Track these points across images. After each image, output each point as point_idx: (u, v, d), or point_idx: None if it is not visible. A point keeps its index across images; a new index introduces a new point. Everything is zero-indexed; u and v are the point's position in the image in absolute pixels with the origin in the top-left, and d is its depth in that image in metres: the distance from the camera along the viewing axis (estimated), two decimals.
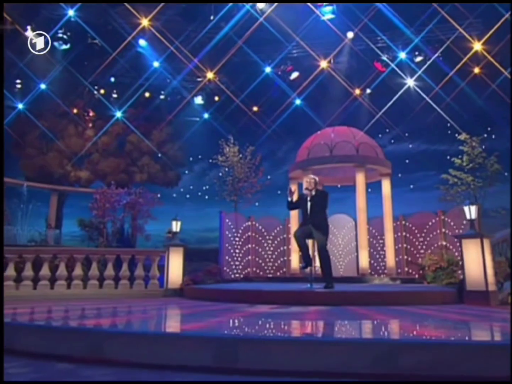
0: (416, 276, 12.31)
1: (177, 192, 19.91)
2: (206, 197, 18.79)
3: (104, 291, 7.03)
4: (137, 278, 7.55)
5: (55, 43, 13.73)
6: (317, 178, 7.40)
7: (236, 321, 4.11)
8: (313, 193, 7.24)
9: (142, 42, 14.90)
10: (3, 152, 10.85)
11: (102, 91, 17.43)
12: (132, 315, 4.91)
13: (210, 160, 15.89)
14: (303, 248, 7.16)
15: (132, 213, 13.80)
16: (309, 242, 7.43)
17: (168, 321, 4.57)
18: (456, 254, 10.96)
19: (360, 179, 11.73)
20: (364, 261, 11.31)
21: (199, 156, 20.13)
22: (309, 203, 7.23)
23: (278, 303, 5.67)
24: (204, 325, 3.72)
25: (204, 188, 17.96)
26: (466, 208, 7.37)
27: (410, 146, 17.56)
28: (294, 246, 12.97)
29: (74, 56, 14.35)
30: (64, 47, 13.81)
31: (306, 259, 7.14)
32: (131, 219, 14.00)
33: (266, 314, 4.73)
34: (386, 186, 12.63)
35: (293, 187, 7.91)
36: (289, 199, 7.35)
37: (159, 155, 19.09)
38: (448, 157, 16.45)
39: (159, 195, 16.62)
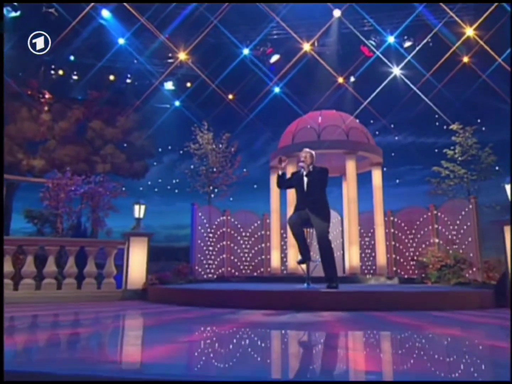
0: (415, 274, 11.11)
1: (144, 185, 18.11)
2: (176, 191, 17.09)
3: (42, 293, 5.36)
4: (87, 276, 5.89)
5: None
6: (313, 152, 5.96)
7: (227, 341, 2.59)
8: (310, 169, 5.80)
9: (105, 13, 13.13)
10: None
11: (60, 72, 15.50)
12: (58, 332, 3.26)
13: (181, 151, 14.28)
14: (299, 238, 5.73)
15: (91, 204, 11.96)
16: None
17: (112, 345, 2.86)
18: (461, 251, 9.79)
19: (351, 167, 10.42)
20: (354, 258, 9.99)
21: (169, 147, 18.42)
22: (305, 181, 5.78)
23: (274, 308, 4.19)
24: (175, 351, 2.18)
25: (174, 181, 16.29)
26: (508, 187, 6.03)
27: (396, 138, 16.47)
28: (274, 242, 11.54)
29: (26, 27, 12.43)
30: (14, 14, 11.92)
31: (303, 252, 5.70)
32: (90, 212, 12.15)
33: (266, 325, 3.24)
34: (377, 176, 11.40)
35: (284, 157, 6.40)
36: (280, 172, 5.88)
37: (125, 144, 17.25)
38: (436, 150, 15.47)
39: (124, 188, 14.83)
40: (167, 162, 18.77)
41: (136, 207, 6.32)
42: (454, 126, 12.85)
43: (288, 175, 6.04)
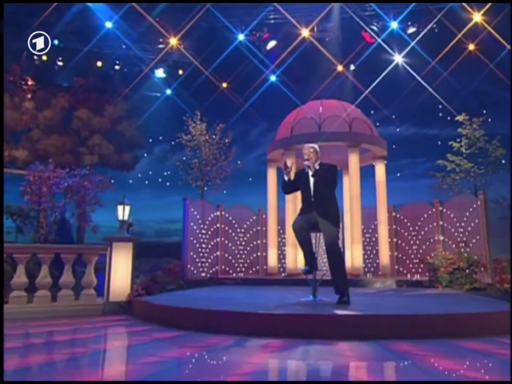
0: (419, 273, 10.55)
1: (134, 177, 17.29)
2: (168, 184, 16.31)
3: (9, 309, 4.60)
4: (63, 287, 5.16)
5: None
6: (317, 147, 5.25)
7: None
8: (317, 167, 5.09)
9: None
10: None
11: (44, 57, 14.56)
12: None
13: (173, 142, 13.49)
14: (305, 245, 5.05)
15: (75, 199, 11.17)
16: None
17: None
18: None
19: (354, 161, 9.74)
20: (357, 259, 9.36)
21: (160, 138, 17.57)
22: (311, 182, 5.08)
23: (279, 335, 3.51)
24: None
25: (165, 173, 15.50)
26: None
27: (398, 129, 15.79)
28: (271, 240, 10.88)
29: (6, 9, 11.50)
30: None
31: (310, 260, 5.02)
32: (75, 207, 11.36)
33: (273, 373, 2.54)
34: (380, 170, 10.75)
35: (290, 161, 5.65)
36: (286, 178, 5.17)
37: (113, 134, 16.37)
38: (439, 142, 14.82)
39: (112, 181, 14.04)
40: (158, 154, 17.98)
41: (120, 208, 5.59)
42: (460, 118, 12.20)
43: (292, 176, 5.35)
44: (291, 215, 10.14)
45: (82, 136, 15.63)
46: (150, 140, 17.50)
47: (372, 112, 14.98)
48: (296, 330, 3.50)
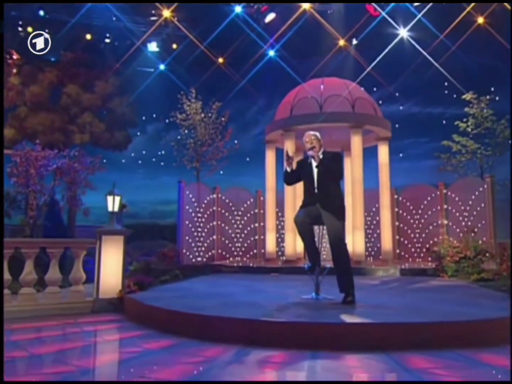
0: (421, 258, 10.39)
1: (126, 157, 16.87)
2: (162, 163, 15.92)
3: None
4: (50, 284, 4.88)
5: None
6: (318, 134, 4.91)
7: None
8: (320, 156, 4.77)
9: None
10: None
11: (29, 29, 13.91)
12: None
13: (167, 120, 13.06)
14: (308, 239, 4.78)
15: (65, 181, 10.82)
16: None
17: None
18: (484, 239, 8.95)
19: (356, 143, 9.42)
20: (359, 245, 9.14)
21: (154, 115, 17.08)
22: (315, 172, 4.77)
23: (281, 345, 3.27)
24: None
25: (159, 153, 15.11)
26: None
27: (401, 107, 15.36)
28: (269, 224, 10.64)
29: None
30: None
31: (312, 256, 4.76)
32: (65, 189, 11.02)
33: None
34: (383, 152, 10.44)
35: (291, 151, 5.29)
36: (288, 168, 4.85)
37: (104, 112, 15.85)
38: (444, 122, 14.46)
39: (104, 161, 13.65)
40: (152, 132, 17.53)
41: (109, 198, 5.28)
42: (467, 96, 11.80)
43: (295, 165, 5.01)
44: (290, 198, 9.86)
45: (72, 113, 15.10)
46: (143, 118, 17.01)
47: (374, 89, 14.56)
48: (300, 340, 3.26)
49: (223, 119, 12.61)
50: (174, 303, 4.41)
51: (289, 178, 5.05)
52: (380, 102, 14.47)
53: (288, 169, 4.90)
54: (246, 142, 15.01)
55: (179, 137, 13.06)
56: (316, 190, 4.79)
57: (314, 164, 4.81)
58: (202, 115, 12.28)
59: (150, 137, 17.51)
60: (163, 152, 14.65)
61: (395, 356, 3.07)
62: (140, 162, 17.62)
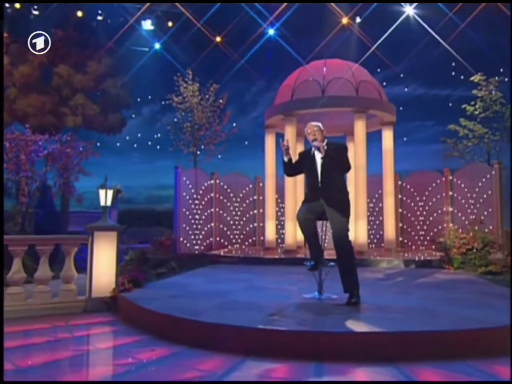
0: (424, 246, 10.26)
1: (121, 140, 16.58)
2: (158, 147, 15.65)
3: None
4: (39, 282, 4.73)
5: None
6: (321, 125, 4.70)
7: None
8: (325, 147, 4.57)
9: None
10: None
11: (17, 5, 13.47)
12: None
13: (163, 102, 12.77)
14: (311, 237, 4.62)
15: (57, 167, 10.62)
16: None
17: None
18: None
19: (360, 128, 9.20)
20: (361, 235, 9.01)
21: (149, 97, 16.72)
22: (319, 165, 4.57)
23: (284, 356, 3.13)
24: None
25: (155, 136, 14.81)
26: None
27: (406, 89, 15.04)
28: (269, 212, 10.48)
29: None
30: None
31: (315, 254, 4.61)
32: (57, 176, 10.82)
33: None
34: (388, 137, 10.22)
35: (286, 139, 5.06)
36: (285, 158, 4.65)
37: (98, 93, 15.51)
38: (451, 104, 14.19)
39: (98, 144, 13.41)
40: (147, 115, 17.20)
41: (101, 192, 5.09)
42: (476, 78, 11.52)
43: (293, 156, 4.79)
44: (290, 185, 9.67)
45: (64, 95, 14.77)
46: (138, 100, 16.66)
47: (378, 70, 14.22)
48: (303, 351, 3.12)
49: (221, 101, 12.34)
50: (170, 304, 4.26)
51: (289, 169, 4.84)
52: (384, 83, 14.17)
53: (285, 159, 4.70)
54: (245, 125, 14.74)
55: (175, 119, 12.81)
56: (319, 184, 4.60)
57: (318, 156, 4.60)
58: (199, 97, 12.02)
59: (146, 120, 17.20)
60: (159, 135, 14.39)
61: (405, 369, 2.93)
62: (135, 145, 17.34)
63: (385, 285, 5.79)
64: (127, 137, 16.44)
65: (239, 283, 5.84)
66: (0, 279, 4.46)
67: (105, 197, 5.05)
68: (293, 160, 4.80)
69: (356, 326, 3.47)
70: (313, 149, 4.68)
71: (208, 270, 7.54)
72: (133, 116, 17.14)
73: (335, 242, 4.50)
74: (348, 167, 4.65)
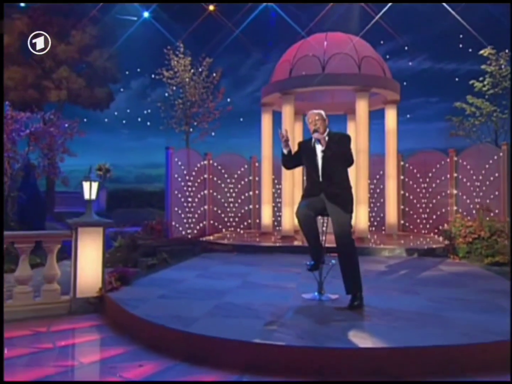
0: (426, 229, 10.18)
1: (109, 116, 16.15)
2: (148, 123, 15.27)
3: None
4: (19, 283, 4.54)
5: None
6: (323, 113, 4.44)
7: None
8: (326, 138, 4.35)
9: None
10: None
11: None
12: None
13: (153, 75, 12.37)
14: (311, 237, 4.44)
15: (41, 147, 10.29)
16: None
17: None
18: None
19: (362, 108, 8.94)
20: (362, 221, 8.87)
21: (138, 69, 16.22)
22: (319, 157, 4.36)
23: (282, 373, 2.99)
24: None
25: (145, 112, 14.41)
26: None
27: (410, 63, 14.63)
28: (265, 196, 10.30)
29: None
30: None
31: (315, 253, 4.44)
32: (40, 156, 10.50)
33: None
34: (391, 117, 9.98)
35: (284, 128, 4.78)
36: (285, 150, 4.42)
37: (83, 65, 15.01)
38: (457, 79, 13.85)
39: (85, 120, 13.03)
40: (136, 89, 16.73)
41: (86, 185, 4.84)
42: (485, 52, 11.16)
43: (296, 148, 4.55)
44: None
45: (47, 67, 14.27)
46: (127, 73, 16.16)
47: (381, 42, 13.81)
48: (303, 368, 2.98)
49: (214, 74, 11.97)
50: (159, 308, 4.09)
51: (288, 162, 4.61)
52: (388, 56, 13.79)
53: (285, 151, 4.46)
54: (240, 101, 14.39)
55: (166, 94, 12.45)
56: (320, 179, 4.38)
57: (319, 148, 4.37)
58: (191, 72, 11.63)
59: (135, 94, 16.75)
60: (149, 111, 14.01)
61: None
62: (124, 122, 16.92)
63: (388, 281, 5.66)
64: (116, 113, 16.01)
65: (234, 278, 5.69)
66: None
67: (90, 190, 4.81)
68: (293, 152, 4.57)
69: (360, 338, 3.31)
70: (313, 140, 4.44)
71: (201, 261, 7.38)
72: (122, 90, 16.67)
73: (337, 240, 4.32)
74: (351, 161, 4.43)
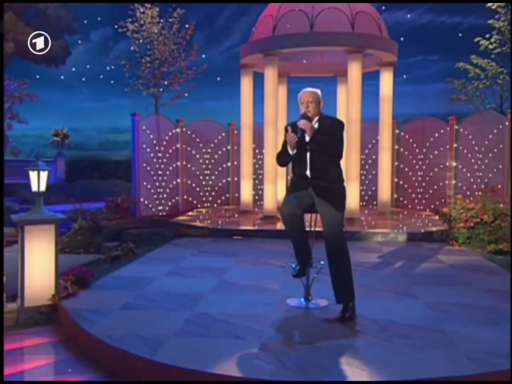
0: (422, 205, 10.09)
1: (66, 73, 15.33)
2: (112, 82, 14.56)
3: None
4: None
5: None
6: (319, 93, 4.12)
7: None
8: (316, 125, 4.05)
9: None
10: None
11: None
12: None
13: (116, 26, 11.71)
14: (297, 238, 4.21)
15: None
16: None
17: None
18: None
19: (355, 71, 8.61)
20: (353, 199, 8.69)
21: (98, 18, 15.31)
22: (308, 147, 4.09)
23: None
24: None
25: (108, 68, 13.70)
26: None
27: (409, 16, 14.14)
28: (244, 170, 10.02)
29: None
30: None
31: (302, 257, 4.21)
32: None
33: None
34: (387, 80, 9.70)
35: (290, 131, 4.34)
36: (291, 152, 4.10)
37: (32, 14, 14.10)
38: (460, 34, 13.43)
39: (37, 77, 12.36)
40: (97, 41, 15.88)
41: (33, 174, 4.44)
42: (493, 5, 10.80)
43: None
44: (271, 136, 9.10)
45: None
46: (85, 22, 15.22)
47: None
48: None
49: (187, 27, 11.40)
50: (122, 324, 3.81)
51: (283, 161, 4.31)
52: (384, 8, 13.28)
53: (291, 152, 4.10)
54: (217, 58, 13.80)
55: (132, 48, 11.86)
56: (308, 171, 4.10)
57: (307, 137, 4.05)
58: (160, 25, 11.03)
59: (95, 47, 15.92)
60: (112, 67, 13.32)
61: None
62: (83, 79, 16.11)
63: (382, 278, 5.51)
64: (73, 69, 15.18)
65: (209, 276, 5.46)
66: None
67: (38, 181, 4.43)
68: (292, 151, 4.16)
69: (354, 368, 3.12)
70: (303, 121, 4.12)
71: (172, 250, 7.11)
72: (79, 42, 15.76)
73: (326, 241, 4.09)
74: (340, 154, 4.14)
